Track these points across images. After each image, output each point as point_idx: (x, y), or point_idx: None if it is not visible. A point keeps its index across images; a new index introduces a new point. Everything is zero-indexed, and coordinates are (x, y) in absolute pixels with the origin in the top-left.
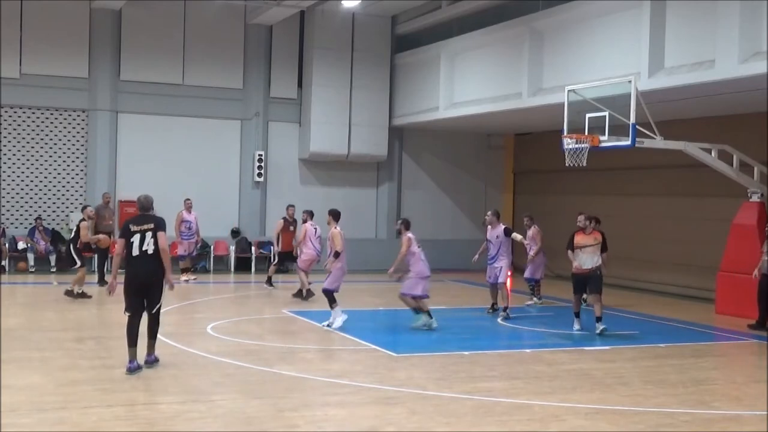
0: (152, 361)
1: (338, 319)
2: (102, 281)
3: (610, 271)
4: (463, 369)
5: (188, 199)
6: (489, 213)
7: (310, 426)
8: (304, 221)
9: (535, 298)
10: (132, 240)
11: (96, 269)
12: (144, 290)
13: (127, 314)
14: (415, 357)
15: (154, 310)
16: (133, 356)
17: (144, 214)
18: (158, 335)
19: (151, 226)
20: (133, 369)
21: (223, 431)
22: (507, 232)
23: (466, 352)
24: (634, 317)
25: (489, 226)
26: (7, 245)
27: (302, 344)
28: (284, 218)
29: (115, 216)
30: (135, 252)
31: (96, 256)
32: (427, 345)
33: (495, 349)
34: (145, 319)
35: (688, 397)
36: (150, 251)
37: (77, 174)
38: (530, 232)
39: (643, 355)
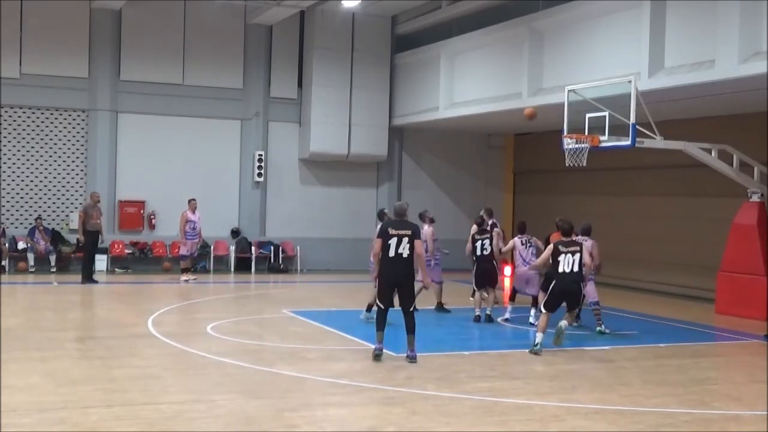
0: (412, 356)
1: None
2: (84, 280)
3: (610, 271)
4: (463, 369)
5: (193, 199)
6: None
7: (310, 426)
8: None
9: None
10: (389, 243)
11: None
12: (396, 288)
13: (381, 306)
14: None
15: (411, 309)
16: (378, 340)
17: (401, 220)
18: (159, 335)
19: (409, 232)
20: (377, 350)
21: (223, 431)
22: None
23: (466, 352)
24: (634, 317)
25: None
26: (7, 245)
27: (302, 344)
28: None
29: (116, 215)
30: (391, 253)
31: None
32: (427, 345)
33: (495, 349)
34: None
35: (688, 397)
36: (405, 255)
37: (77, 174)
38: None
39: (643, 355)
